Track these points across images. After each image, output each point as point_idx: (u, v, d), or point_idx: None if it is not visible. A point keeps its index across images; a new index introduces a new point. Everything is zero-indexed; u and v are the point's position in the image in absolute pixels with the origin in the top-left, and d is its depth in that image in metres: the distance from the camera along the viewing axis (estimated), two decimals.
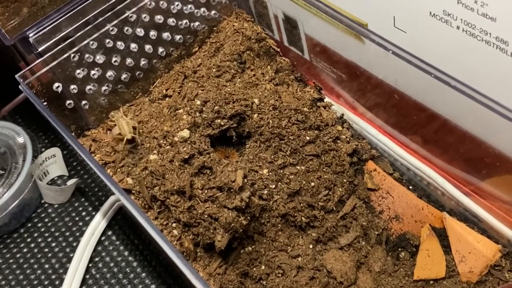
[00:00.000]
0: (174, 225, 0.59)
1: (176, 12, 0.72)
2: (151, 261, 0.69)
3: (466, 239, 0.58)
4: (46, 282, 0.70)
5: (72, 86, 0.66)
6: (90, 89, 0.68)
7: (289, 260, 0.59)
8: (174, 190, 0.57)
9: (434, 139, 0.62)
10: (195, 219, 0.56)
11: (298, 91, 0.72)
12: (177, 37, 0.73)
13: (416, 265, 0.59)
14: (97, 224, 0.72)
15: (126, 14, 0.67)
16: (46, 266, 0.71)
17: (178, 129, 0.62)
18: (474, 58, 0.52)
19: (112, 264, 0.70)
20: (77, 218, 0.75)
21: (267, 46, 0.75)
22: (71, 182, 0.76)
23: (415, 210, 0.62)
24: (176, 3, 0.71)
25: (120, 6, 0.67)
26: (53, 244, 0.73)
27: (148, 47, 0.71)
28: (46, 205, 0.77)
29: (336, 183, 0.63)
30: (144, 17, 0.69)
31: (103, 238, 0.72)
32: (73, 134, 0.67)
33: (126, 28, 0.68)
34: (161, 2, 0.70)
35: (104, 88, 0.69)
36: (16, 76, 0.62)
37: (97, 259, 0.71)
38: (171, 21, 0.71)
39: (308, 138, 0.64)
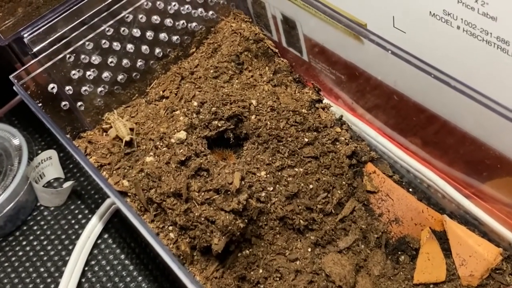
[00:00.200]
0: (170, 228, 0.58)
1: (173, 12, 0.71)
2: (148, 265, 0.69)
3: (466, 242, 0.58)
4: (41, 286, 0.69)
5: (67, 87, 0.65)
6: (85, 90, 0.67)
7: (287, 264, 0.58)
8: (170, 192, 0.57)
9: (434, 140, 0.62)
10: (192, 222, 0.56)
11: (296, 92, 0.71)
12: (174, 37, 0.73)
13: (416, 268, 0.58)
14: (93, 227, 0.72)
15: (122, 15, 0.67)
16: (42, 269, 0.70)
17: (175, 130, 0.61)
18: (474, 58, 0.52)
19: (108, 268, 0.69)
20: (73, 221, 0.74)
21: (265, 47, 0.75)
22: (67, 184, 0.76)
23: (415, 213, 0.62)
24: (173, 3, 0.71)
25: (116, 6, 0.66)
26: (49, 247, 0.72)
27: (144, 48, 0.70)
28: (42, 207, 0.77)
29: (335, 185, 0.63)
30: (141, 18, 0.68)
31: (99, 241, 0.72)
32: (68, 136, 0.67)
33: (122, 28, 0.67)
34: (158, 2, 0.69)
35: (100, 89, 0.68)
36: (10, 76, 0.61)
37: (93, 262, 0.70)
38: (168, 21, 0.71)
39: (306, 139, 0.64)
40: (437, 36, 0.54)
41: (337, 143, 0.66)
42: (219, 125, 0.62)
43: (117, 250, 0.71)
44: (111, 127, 0.67)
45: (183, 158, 0.58)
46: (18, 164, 0.74)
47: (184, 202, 0.56)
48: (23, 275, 0.70)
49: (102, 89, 0.69)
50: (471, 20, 0.49)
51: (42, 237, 0.73)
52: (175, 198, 0.57)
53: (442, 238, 0.60)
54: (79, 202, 0.76)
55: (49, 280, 0.69)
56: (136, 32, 0.68)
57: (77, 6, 0.65)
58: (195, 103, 0.63)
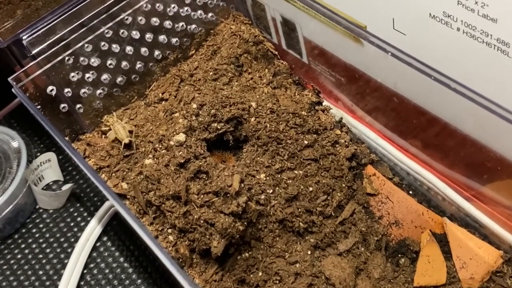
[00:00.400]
0: (169, 230, 0.58)
1: (172, 14, 0.71)
2: (147, 268, 0.68)
3: (467, 245, 0.58)
4: None
5: (66, 90, 0.65)
6: (84, 92, 0.67)
7: (287, 267, 0.58)
8: (169, 195, 0.56)
9: (434, 143, 0.62)
10: (191, 225, 0.55)
11: (296, 94, 0.71)
12: (174, 40, 0.73)
13: (416, 271, 0.58)
14: (92, 229, 0.71)
15: (121, 17, 0.66)
16: (40, 272, 0.70)
17: (174, 133, 0.61)
18: (474, 60, 0.52)
19: (107, 271, 0.69)
20: (72, 224, 0.74)
21: (264, 49, 0.75)
22: (66, 187, 0.76)
23: (415, 216, 0.61)
24: (173, 5, 0.70)
25: (116, 8, 0.66)
26: (48, 250, 0.72)
27: (144, 50, 0.70)
28: (40, 210, 0.76)
29: (334, 188, 0.63)
30: (140, 20, 0.68)
31: (98, 244, 0.72)
32: (67, 138, 0.66)
33: (121, 30, 0.67)
34: (157, 5, 0.69)
35: (99, 91, 0.68)
36: (9, 79, 0.61)
37: (92, 265, 0.70)
38: (167, 23, 0.71)
39: (306, 142, 0.64)
40: (437, 38, 0.54)
41: (337, 145, 0.66)
42: (219, 127, 0.62)
43: (116, 253, 0.70)
44: (110, 129, 0.67)
45: (182, 161, 0.58)
46: (17, 166, 0.73)
47: (183, 205, 0.56)
48: (21, 278, 0.70)
49: (101, 91, 0.68)
50: (471, 22, 0.49)
51: (41, 240, 0.73)
52: (174, 201, 0.57)
53: (442, 240, 0.59)
54: (78, 204, 0.76)
55: (48, 283, 0.69)
56: (135, 34, 0.68)
57: (76, 8, 0.65)
58: (195, 106, 0.63)
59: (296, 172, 0.62)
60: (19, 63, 0.73)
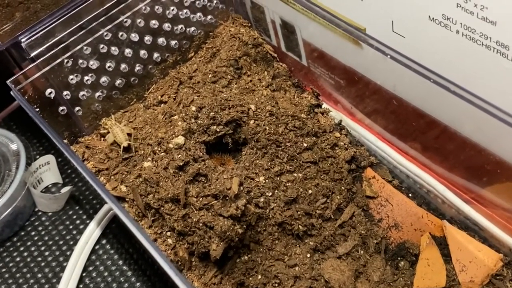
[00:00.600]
0: (168, 233, 0.58)
1: (171, 17, 0.71)
2: (146, 271, 0.68)
3: (466, 248, 0.57)
4: None
5: (65, 92, 0.65)
6: (83, 95, 0.67)
7: (286, 270, 0.58)
8: (168, 198, 0.56)
9: (433, 145, 0.62)
10: (190, 228, 0.55)
11: (295, 97, 0.71)
12: (173, 42, 0.72)
13: (415, 274, 0.58)
14: (91, 232, 0.71)
15: (120, 19, 0.66)
16: (39, 275, 0.70)
17: (173, 135, 0.61)
18: (474, 62, 0.52)
19: (106, 274, 0.69)
20: (71, 227, 0.74)
21: (264, 52, 0.75)
22: (65, 189, 0.75)
23: (414, 218, 0.61)
24: (172, 8, 0.70)
25: (115, 10, 0.66)
26: (47, 253, 0.72)
27: (143, 53, 0.70)
28: (39, 213, 0.76)
29: (334, 190, 0.62)
30: (139, 22, 0.68)
31: (97, 247, 0.71)
32: (66, 141, 0.66)
33: (120, 33, 0.67)
34: (156, 7, 0.69)
35: (98, 94, 0.68)
36: (8, 81, 0.61)
37: (91, 268, 0.70)
38: (166, 26, 0.71)
39: (305, 144, 0.63)
40: (436, 41, 0.53)
41: (336, 148, 0.66)
42: (218, 130, 0.62)
43: (115, 255, 0.70)
44: (108, 132, 0.67)
45: (181, 163, 0.58)
46: (16, 169, 0.73)
47: (182, 208, 0.56)
48: (20, 281, 0.70)
49: (100, 94, 0.68)
50: (470, 24, 0.49)
51: (39, 243, 0.73)
52: (173, 204, 0.57)
53: (442, 243, 0.59)
54: (77, 207, 0.76)
55: (46, 286, 0.69)
56: (135, 37, 0.68)
57: (75, 11, 0.65)
58: (194, 108, 0.63)
59: (295, 175, 0.62)
60: (18, 65, 0.73)
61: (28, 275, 0.70)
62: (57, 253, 0.72)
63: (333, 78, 0.70)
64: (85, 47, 0.65)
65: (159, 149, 0.61)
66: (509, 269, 0.56)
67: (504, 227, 0.58)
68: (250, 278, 0.57)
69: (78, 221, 0.74)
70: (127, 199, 0.61)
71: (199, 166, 0.58)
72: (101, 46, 0.66)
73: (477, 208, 0.60)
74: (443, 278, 0.57)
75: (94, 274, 0.69)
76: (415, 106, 0.59)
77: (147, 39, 0.69)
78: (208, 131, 0.62)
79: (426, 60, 0.54)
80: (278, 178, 0.61)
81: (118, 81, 0.69)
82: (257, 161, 0.62)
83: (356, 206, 0.63)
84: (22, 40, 0.64)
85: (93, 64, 0.66)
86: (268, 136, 0.62)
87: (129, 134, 0.65)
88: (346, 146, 0.67)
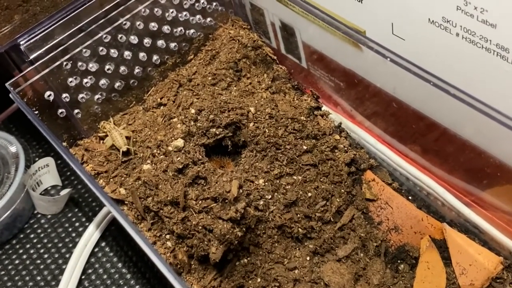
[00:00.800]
0: (167, 236, 0.58)
1: (171, 19, 0.71)
2: (145, 273, 0.68)
3: (466, 251, 0.57)
4: None
5: (64, 95, 0.65)
6: (82, 97, 0.67)
7: (286, 273, 0.58)
8: (167, 200, 0.56)
9: (433, 148, 0.62)
10: (189, 231, 0.55)
11: (295, 99, 0.71)
12: (172, 44, 0.72)
13: (415, 277, 0.58)
14: (91, 235, 0.71)
15: (119, 21, 0.66)
16: (38, 278, 0.70)
17: (172, 138, 0.61)
18: (474, 65, 0.52)
19: (105, 276, 0.69)
20: (70, 229, 0.74)
21: (263, 54, 0.75)
22: (65, 192, 0.75)
23: (414, 221, 0.61)
24: (171, 10, 0.70)
25: (114, 13, 0.66)
26: (46, 256, 0.72)
27: (142, 55, 0.70)
28: (38, 215, 0.76)
29: (333, 193, 0.62)
30: (138, 25, 0.68)
31: (96, 249, 0.71)
32: (65, 143, 0.66)
33: (120, 35, 0.67)
34: (156, 9, 0.69)
35: (97, 96, 0.68)
36: (7, 84, 0.61)
37: (90, 270, 0.69)
38: (166, 28, 0.71)
39: (305, 147, 0.63)
40: (436, 43, 0.53)
41: (336, 150, 0.66)
42: (217, 132, 0.62)
43: (114, 258, 0.70)
44: (107, 135, 0.66)
45: (180, 166, 0.58)
46: (15, 171, 0.73)
47: (182, 211, 0.56)
48: (19, 283, 0.70)
49: (99, 96, 0.68)
50: (470, 27, 0.49)
51: (39, 245, 0.73)
52: (173, 207, 0.56)
53: (442, 246, 0.59)
54: (76, 209, 0.76)
55: None
56: (134, 39, 0.68)
57: (74, 13, 0.65)
58: (193, 111, 0.63)
59: (295, 177, 0.62)
60: (18, 68, 0.73)
61: (27, 278, 0.70)
62: (56, 255, 0.72)
63: (333, 81, 0.70)
64: (84, 50, 0.65)
65: (159, 151, 0.61)
66: (509, 272, 0.56)
67: (504, 230, 0.58)
68: (250, 281, 0.57)
69: (77, 224, 0.74)
70: (126, 202, 0.60)
71: (199, 169, 0.57)
72: (100, 48, 0.66)
73: (477, 211, 0.60)
74: (443, 281, 0.57)
75: (93, 277, 0.69)
76: (415, 109, 0.59)
77: (147, 41, 0.69)
78: (207, 134, 0.62)
79: (426, 63, 0.54)
80: (278, 181, 0.61)
81: (117, 84, 0.69)
82: (257, 163, 0.62)
83: (355, 209, 0.63)
84: (21, 42, 0.63)
85: (92, 66, 0.66)
86: (268, 139, 0.62)
87: (127, 138, 0.65)
88: (346, 148, 0.67)
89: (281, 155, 0.62)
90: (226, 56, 0.72)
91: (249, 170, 0.61)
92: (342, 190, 0.63)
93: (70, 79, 0.65)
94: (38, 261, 0.71)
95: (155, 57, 0.71)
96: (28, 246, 0.73)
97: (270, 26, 0.74)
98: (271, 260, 0.58)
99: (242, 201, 0.54)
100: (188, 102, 0.65)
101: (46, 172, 0.77)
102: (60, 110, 0.65)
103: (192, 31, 0.74)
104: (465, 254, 0.57)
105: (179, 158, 0.58)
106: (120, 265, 0.69)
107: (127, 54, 0.68)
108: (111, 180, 0.63)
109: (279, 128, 0.64)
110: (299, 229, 0.59)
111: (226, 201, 0.54)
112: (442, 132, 0.58)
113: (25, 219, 0.75)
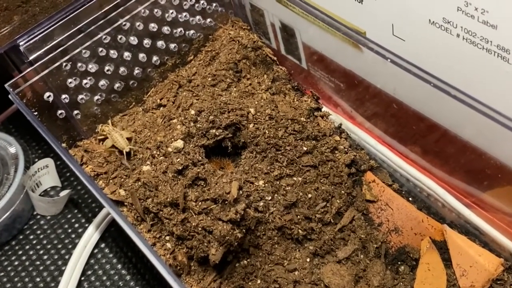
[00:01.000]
0: (167, 238, 0.58)
1: (170, 20, 0.71)
2: (145, 275, 0.68)
3: (467, 252, 0.57)
4: None
5: (63, 96, 0.65)
6: (82, 98, 0.67)
7: (286, 274, 0.57)
8: (167, 202, 0.56)
9: (434, 149, 0.62)
10: (189, 232, 0.55)
11: (295, 100, 0.71)
12: (172, 45, 0.72)
13: (416, 279, 0.58)
14: (90, 236, 0.71)
15: (119, 22, 0.66)
16: (38, 279, 0.70)
17: (172, 139, 0.61)
18: (474, 66, 0.51)
19: (105, 278, 0.68)
20: (69, 230, 0.74)
21: (263, 55, 0.74)
22: (64, 193, 0.75)
23: (415, 223, 0.61)
24: (171, 11, 0.70)
25: (114, 14, 0.66)
26: (45, 257, 0.72)
27: (142, 56, 0.70)
28: (38, 216, 0.76)
29: (334, 194, 0.62)
30: (138, 25, 0.68)
31: (96, 250, 0.71)
32: (64, 144, 0.66)
33: (119, 36, 0.67)
34: (156, 10, 0.69)
35: (96, 97, 0.68)
36: (6, 85, 0.61)
37: (89, 272, 0.69)
38: (165, 29, 0.70)
39: (305, 148, 0.63)
40: (436, 44, 0.53)
41: (336, 151, 0.66)
42: (217, 133, 0.62)
43: (114, 259, 0.70)
44: (106, 138, 0.66)
45: (180, 167, 0.57)
46: (14, 172, 0.73)
47: (181, 212, 0.55)
48: (18, 285, 0.69)
49: (99, 97, 0.68)
50: (471, 28, 0.49)
51: (38, 247, 0.73)
52: (172, 208, 0.56)
53: (442, 248, 0.59)
54: (75, 211, 0.76)
55: None
56: (134, 40, 0.68)
57: (73, 14, 0.65)
58: (193, 112, 0.63)
59: (295, 178, 0.62)
60: (17, 69, 0.72)
61: (27, 279, 0.70)
62: (56, 257, 0.71)
63: (333, 82, 0.70)
64: (83, 51, 0.64)
65: (158, 153, 0.61)
66: (510, 274, 0.56)
67: (505, 231, 0.58)
68: (250, 283, 0.57)
69: (76, 225, 0.74)
70: (125, 203, 0.60)
71: (198, 170, 0.57)
72: (100, 49, 0.66)
73: (478, 212, 0.60)
74: (443, 283, 0.57)
75: (92, 278, 0.69)
76: (415, 110, 0.59)
77: (146, 42, 0.69)
78: (207, 135, 0.61)
79: (426, 64, 0.54)
80: (278, 182, 0.61)
81: (117, 85, 0.69)
82: (257, 165, 0.61)
83: (356, 210, 0.63)
84: (21, 43, 0.63)
85: (92, 67, 0.66)
86: (268, 140, 0.62)
87: (129, 139, 0.65)
88: (346, 149, 0.66)
89: (281, 156, 0.62)
90: (226, 57, 0.72)
91: (249, 171, 0.61)
92: (342, 191, 0.63)
93: (69, 80, 0.65)
94: (38, 262, 0.71)
95: (154, 58, 0.71)
96: (27, 247, 0.73)
97: (270, 27, 0.74)
98: (271, 261, 0.58)
99: (242, 202, 0.54)
100: (188, 103, 0.65)
101: (46, 173, 0.77)
102: (59, 111, 0.65)
103: (192, 32, 0.74)
104: (466, 256, 0.57)
105: (178, 159, 0.58)
106: (119, 266, 0.69)
107: (126, 55, 0.68)
108: (111, 181, 0.63)
109: (279, 129, 0.63)
110: (299, 230, 0.59)
111: (226, 202, 0.54)
112: (442, 133, 0.58)
113: (24, 220, 0.75)
